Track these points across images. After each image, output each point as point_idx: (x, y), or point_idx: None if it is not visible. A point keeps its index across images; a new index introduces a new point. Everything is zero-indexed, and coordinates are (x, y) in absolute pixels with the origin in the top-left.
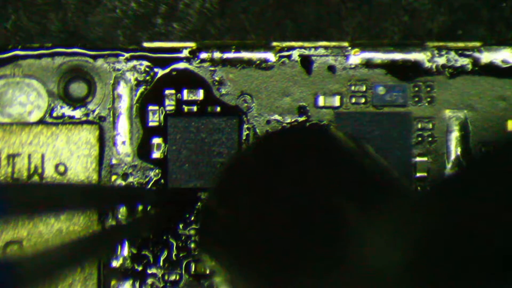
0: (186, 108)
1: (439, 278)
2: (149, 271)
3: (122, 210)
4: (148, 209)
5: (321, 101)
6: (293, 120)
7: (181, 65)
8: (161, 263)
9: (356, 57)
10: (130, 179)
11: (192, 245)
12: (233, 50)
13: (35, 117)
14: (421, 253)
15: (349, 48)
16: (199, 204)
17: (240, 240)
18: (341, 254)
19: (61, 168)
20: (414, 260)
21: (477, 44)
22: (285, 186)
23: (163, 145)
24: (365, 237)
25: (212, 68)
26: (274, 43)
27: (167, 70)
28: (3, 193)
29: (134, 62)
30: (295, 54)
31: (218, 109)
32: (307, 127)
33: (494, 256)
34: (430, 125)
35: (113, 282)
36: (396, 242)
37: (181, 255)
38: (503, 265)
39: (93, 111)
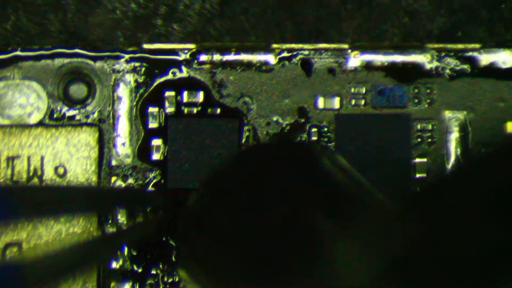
0: (186, 110)
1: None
2: (148, 273)
3: (122, 212)
4: (152, 211)
5: (321, 103)
6: (292, 122)
7: (181, 67)
8: (161, 265)
9: (356, 59)
10: (130, 181)
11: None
12: (233, 52)
13: (34, 119)
14: (393, 266)
15: (349, 50)
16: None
17: (217, 251)
18: (316, 267)
19: (61, 170)
20: (386, 273)
21: (477, 45)
22: (263, 200)
23: (162, 146)
24: (338, 251)
25: (212, 70)
26: (274, 45)
27: (167, 72)
28: (9, 196)
29: (134, 64)
30: (296, 58)
31: (218, 111)
32: (283, 143)
33: (474, 268)
34: (430, 126)
35: (112, 284)
36: (369, 255)
37: (176, 251)
38: (480, 274)
39: (93, 112)
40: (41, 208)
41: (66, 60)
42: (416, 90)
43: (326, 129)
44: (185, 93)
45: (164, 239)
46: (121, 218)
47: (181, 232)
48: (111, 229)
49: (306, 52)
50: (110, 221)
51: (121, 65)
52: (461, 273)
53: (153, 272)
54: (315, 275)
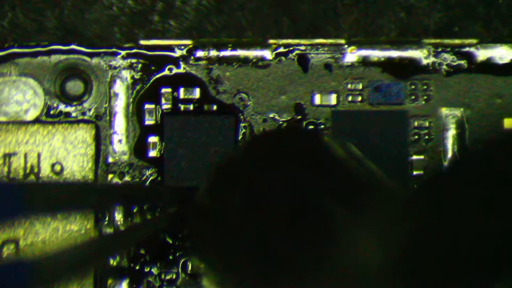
0: (182, 107)
1: (426, 277)
2: (146, 270)
3: (119, 210)
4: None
5: (317, 99)
6: (289, 118)
7: (179, 63)
8: (158, 262)
9: (352, 55)
10: (127, 178)
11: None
12: (229, 48)
13: (31, 115)
14: (408, 252)
15: (346, 46)
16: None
17: (230, 239)
18: (330, 254)
19: (57, 167)
20: (402, 259)
21: (474, 41)
22: (275, 187)
23: (159, 143)
24: (353, 238)
25: (208, 66)
26: (271, 41)
27: (164, 68)
28: (17, 193)
29: (131, 60)
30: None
31: (215, 107)
32: (296, 130)
33: (483, 254)
34: (427, 123)
35: (109, 281)
36: (384, 241)
37: (177, 254)
38: (491, 263)
39: (90, 109)
40: (47, 205)
41: (63, 57)
42: (413, 87)
43: (322, 126)
44: (182, 90)
45: (161, 237)
46: (118, 216)
47: (192, 222)
48: (108, 228)
49: (302, 48)
50: (107, 219)
51: (118, 61)
52: (468, 262)
53: (151, 269)
54: (330, 262)
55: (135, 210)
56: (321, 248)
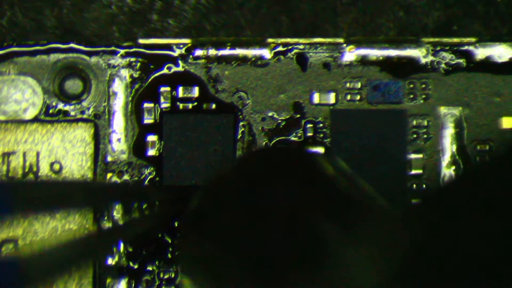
0: (181, 106)
1: None
2: (144, 269)
3: (118, 208)
4: (151, 207)
5: (316, 98)
6: (288, 117)
7: (178, 62)
8: (157, 261)
9: (351, 54)
10: (126, 177)
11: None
12: (228, 47)
13: (30, 114)
14: (403, 272)
15: (344, 44)
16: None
17: (219, 256)
18: (320, 271)
19: (56, 166)
20: (396, 279)
21: (472, 39)
22: (265, 204)
23: (158, 142)
24: (344, 256)
25: (207, 65)
26: (269, 40)
27: (163, 67)
28: (7, 192)
29: (130, 59)
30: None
31: (214, 106)
32: (286, 148)
33: (479, 274)
34: (425, 122)
35: (108, 280)
36: (375, 261)
37: (176, 253)
38: (488, 282)
39: (88, 108)
40: (38, 204)
41: (62, 56)
42: (411, 86)
43: (321, 124)
44: (181, 89)
45: (160, 235)
46: (117, 214)
47: (183, 236)
48: (107, 225)
49: (301, 47)
50: (106, 218)
51: (117, 60)
52: (466, 274)
53: (149, 268)
54: (321, 279)
55: (134, 208)
56: (312, 264)
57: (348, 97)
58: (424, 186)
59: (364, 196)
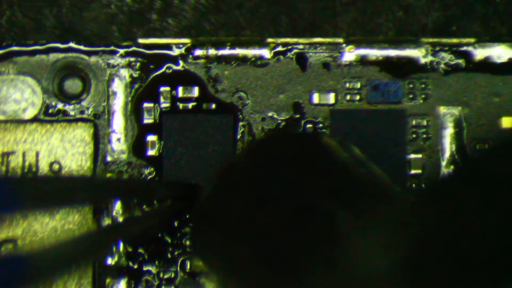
0: (181, 105)
1: (433, 282)
2: (144, 269)
3: (118, 207)
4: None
5: (316, 98)
6: (287, 117)
7: (176, 62)
8: (156, 261)
9: (350, 54)
10: (125, 177)
11: (187, 243)
12: (228, 47)
13: (29, 114)
14: (414, 257)
15: (344, 44)
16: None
17: (232, 243)
18: (333, 258)
19: (56, 166)
20: (407, 264)
21: (472, 40)
22: (278, 191)
23: (158, 142)
24: (357, 242)
25: (207, 65)
26: (269, 40)
27: (162, 66)
28: (14, 187)
29: (129, 59)
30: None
31: (213, 106)
32: (299, 134)
33: (490, 258)
34: (425, 122)
35: (108, 280)
36: (388, 247)
37: (176, 252)
38: (499, 266)
39: (88, 108)
40: (44, 199)
41: (61, 55)
42: (411, 86)
43: (321, 125)
44: (180, 88)
45: (159, 235)
46: (116, 214)
47: (195, 226)
48: (107, 223)
49: (301, 47)
50: (105, 217)
51: (116, 60)
52: (477, 261)
53: (149, 268)
54: (333, 266)
55: (133, 204)
56: (325, 251)
57: (348, 97)
58: (423, 186)
59: (378, 183)
